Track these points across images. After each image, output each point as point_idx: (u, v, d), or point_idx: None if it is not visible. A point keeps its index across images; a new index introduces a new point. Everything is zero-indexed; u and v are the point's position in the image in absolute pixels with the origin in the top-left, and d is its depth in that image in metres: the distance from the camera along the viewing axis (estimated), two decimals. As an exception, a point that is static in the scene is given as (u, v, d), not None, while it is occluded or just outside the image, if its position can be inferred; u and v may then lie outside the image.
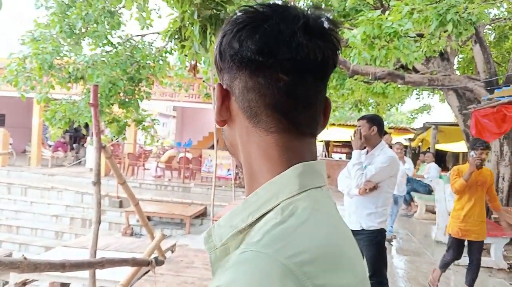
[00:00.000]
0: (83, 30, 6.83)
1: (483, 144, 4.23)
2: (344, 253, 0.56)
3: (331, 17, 0.62)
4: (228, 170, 12.54)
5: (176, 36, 3.21)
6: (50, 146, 15.97)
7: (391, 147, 6.16)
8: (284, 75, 0.58)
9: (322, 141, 18.15)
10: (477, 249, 4.44)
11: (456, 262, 5.75)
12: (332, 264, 0.52)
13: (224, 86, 0.63)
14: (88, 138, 14.55)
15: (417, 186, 9.63)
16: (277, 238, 0.51)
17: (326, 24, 0.60)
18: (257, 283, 0.46)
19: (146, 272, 4.60)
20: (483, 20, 5.68)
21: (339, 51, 0.62)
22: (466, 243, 4.44)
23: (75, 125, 7.08)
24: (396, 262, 5.92)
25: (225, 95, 0.63)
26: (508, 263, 5.72)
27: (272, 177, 0.60)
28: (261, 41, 0.57)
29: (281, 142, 0.61)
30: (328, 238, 0.55)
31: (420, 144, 14.91)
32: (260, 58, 0.58)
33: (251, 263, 0.48)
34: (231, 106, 0.63)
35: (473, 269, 4.45)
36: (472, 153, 4.28)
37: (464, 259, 5.82)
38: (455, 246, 4.50)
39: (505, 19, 10.14)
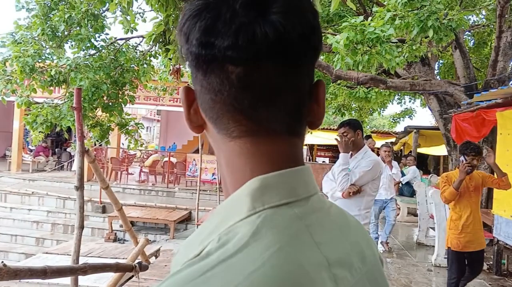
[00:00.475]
0: (66, 33, 6.75)
1: (474, 149, 3.85)
2: None
3: None
4: (213, 174, 12.51)
5: (161, 40, 3.20)
6: (31, 151, 15.66)
7: (373, 150, 6.23)
8: (233, 66, 0.47)
9: (306, 145, 18.27)
10: (479, 260, 4.12)
11: (437, 262, 5.87)
12: None
13: (193, 88, 0.53)
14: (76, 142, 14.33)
15: (402, 188, 9.78)
16: (185, 280, 0.42)
17: None
18: None
19: (130, 278, 4.55)
20: (463, 27, 5.82)
21: (312, 23, 0.50)
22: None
23: (57, 130, 6.97)
24: (380, 265, 5.98)
25: (193, 99, 0.54)
26: (487, 264, 5.84)
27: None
28: (200, 31, 0.47)
29: (245, 148, 0.50)
30: (255, 278, 0.41)
31: (402, 147, 15.12)
32: (202, 51, 0.48)
33: None
34: (199, 111, 0.53)
35: (472, 277, 4.22)
36: (462, 158, 3.88)
37: (446, 261, 5.94)
38: (457, 261, 4.06)
39: (483, 25, 10.40)
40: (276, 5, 0.46)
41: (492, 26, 9.63)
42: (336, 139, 3.40)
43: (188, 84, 0.57)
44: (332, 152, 20.18)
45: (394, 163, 6.95)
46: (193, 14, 0.48)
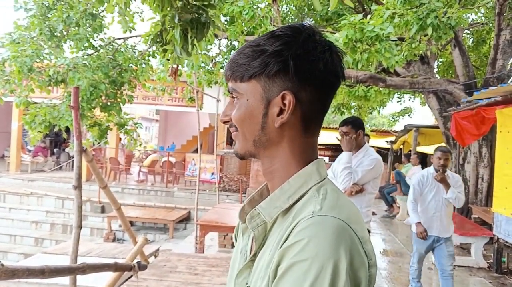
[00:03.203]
0: (64, 33, 6.72)
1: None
2: (361, 217, 0.75)
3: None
4: (212, 174, 12.49)
5: (158, 40, 3.18)
6: (30, 151, 15.64)
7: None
8: (333, 91, 0.80)
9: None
10: None
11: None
12: (361, 224, 0.72)
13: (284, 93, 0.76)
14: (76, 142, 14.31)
15: (402, 187, 9.79)
16: (331, 206, 0.70)
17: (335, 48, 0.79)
18: (335, 232, 0.65)
19: (129, 278, 4.53)
20: (462, 25, 5.81)
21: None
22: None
23: (56, 130, 6.93)
24: (379, 263, 5.98)
25: (293, 103, 0.76)
26: (487, 262, 5.83)
27: (300, 169, 0.78)
28: (331, 61, 0.77)
29: (313, 143, 0.81)
30: (353, 208, 0.75)
31: (401, 146, 15.11)
32: (330, 78, 0.77)
33: (326, 222, 0.67)
34: (293, 118, 0.78)
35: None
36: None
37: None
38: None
39: (482, 23, 10.40)
40: (338, 53, 0.81)
41: (491, 24, 9.63)
42: (337, 138, 3.38)
43: (288, 90, 0.77)
44: (332, 151, 20.18)
45: (454, 178, 4.20)
46: (316, 46, 0.76)
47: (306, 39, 0.75)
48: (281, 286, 0.65)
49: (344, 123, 3.37)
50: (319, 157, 0.83)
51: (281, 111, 0.76)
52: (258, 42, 0.77)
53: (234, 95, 0.80)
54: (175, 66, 3.68)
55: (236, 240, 0.94)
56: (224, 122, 0.83)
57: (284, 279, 0.65)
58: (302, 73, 0.74)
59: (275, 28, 0.81)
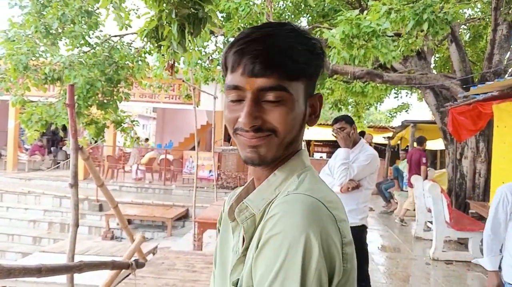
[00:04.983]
0: (60, 30, 6.67)
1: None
2: (340, 202, 0.76)
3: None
4: (210, 171, 12.48)
5: (153, 36, 3.16)
6: (27, 150, 15.59)
7: (370, 145, 6.22)
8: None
9: (303, 141, 18.24)
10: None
11: (435, 256, 5.88)
12: (337, 206, 0.72)
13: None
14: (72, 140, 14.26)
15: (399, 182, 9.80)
16: (307, 188, 0.72)
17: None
18: (308, 208, 0.66)
19: (127, 276, 4.53)
20: (459, 20, 5.82)
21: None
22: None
23: (53, 128, 6.90)
24: (377, 259, 5.99)
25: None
26: (485, 257, 5.84)
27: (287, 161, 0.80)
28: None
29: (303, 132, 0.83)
30: (331, 193, 0.76)
31: (399, 142, 15.13)
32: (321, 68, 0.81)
33: (299, 198, 0.68)
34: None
35: None
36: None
37: (444, 254, 5.96)
38: None
39: (479, 19, 10.40)
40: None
41: (487, 19, 9.63)
42: (333, 135, 3.37)
43: (320, 93, 0.86)
44: (329, 147, 20.19)
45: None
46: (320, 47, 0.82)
47: None
48: (259, 261, 0.66)
49: (337, 120, 3.36)
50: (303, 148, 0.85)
51: (313, 111, 0.82)
52: (305, 41, 0.76)
53: (278, 95, 0.72)
54: (171, 61, 3.66)
55: (219, 231, 0.95)
56: (252, 127, 0.73)
57: (261, 254, 0.66)
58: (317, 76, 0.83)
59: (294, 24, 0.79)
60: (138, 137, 8.01)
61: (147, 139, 18.08)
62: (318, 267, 0.62)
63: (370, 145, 4.23)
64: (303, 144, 0.93)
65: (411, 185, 7.84)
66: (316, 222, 0.64)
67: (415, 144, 9.03)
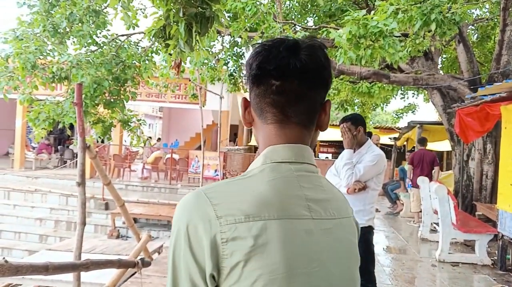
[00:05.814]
0: (68, 29, 6.71)
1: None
2: (261, 199, 0.74)
3: (316, 43, 0.83)
4: (215, 171, 12.49)
5: (160, 35, 3.17)
6: (34, 148, 15.69)
7: (377, 145, 6.18)
8: (274, 80, 0.80)
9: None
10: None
11: (441, 258, 5.85)
12: (234, 199, 0.73)
13: (248, 98, 0.88)
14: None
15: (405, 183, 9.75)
16: (211, 185, 0.77)
17: (304, 45, 0.81)
18: (187, 198, 0.76)
19: (133, 274, 4.54)
20: (466, 20, 5.78)
21: (323, 63, 0.82)
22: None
23: (60, 126, 6.93)
24: (383, 260, 5.97)
25: (247, 105, 0.87)
26: (492, 259, 5.81)
27: None
28: (258, 60, 0.81)
29: (273, 129, 0.83)
30: (247, 188, 0.76)
31: (405, 143, 15.06)
32: (258, 72, 0.81)
33: (190, 193, 0.77)
34: (251, 112, 0.86)
35: None
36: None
37: (451, 256, 5.92)
38: None
39: (487, 19, 10.32)
40: (304, 51, 0.80)
41: (496, 20, 9.55)
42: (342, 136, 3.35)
43: (243, 97, 0.89)
44: (335, 147, 20.13)
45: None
46: (255, 52, 0.83)
47: None
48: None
49: (344, 120, 3.34)
50: (314, 152, 0.92)
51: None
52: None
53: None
54: (178, 60, 3.67)
55: None
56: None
57: None
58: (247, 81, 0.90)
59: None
60: (150, 137, 8.03)
61: (159, 139, 18.19)
62: (185, 259, 0.73)
63: (377, 146, 4.21)
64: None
65: (416, 186, 7.80)
66: (188, 210, 0.75)
67: (418, 145, 9.01)
